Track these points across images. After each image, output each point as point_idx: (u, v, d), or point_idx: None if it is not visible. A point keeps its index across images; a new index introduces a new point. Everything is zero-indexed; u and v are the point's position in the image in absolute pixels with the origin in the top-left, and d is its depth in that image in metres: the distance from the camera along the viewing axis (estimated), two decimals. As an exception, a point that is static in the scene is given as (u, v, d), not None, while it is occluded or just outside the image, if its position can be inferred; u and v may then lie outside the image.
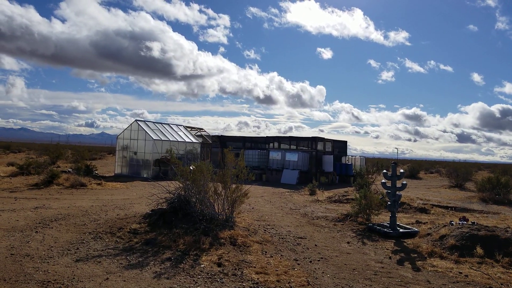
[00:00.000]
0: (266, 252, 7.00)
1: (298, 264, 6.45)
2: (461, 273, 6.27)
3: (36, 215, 9.37)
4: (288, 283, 5.44)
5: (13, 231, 7.65)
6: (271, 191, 18.53)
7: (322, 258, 6.91)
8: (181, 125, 28.12)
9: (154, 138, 23.09)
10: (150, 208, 9.02)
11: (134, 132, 23.92)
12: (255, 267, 6.03)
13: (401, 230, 8.98)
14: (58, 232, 7.75)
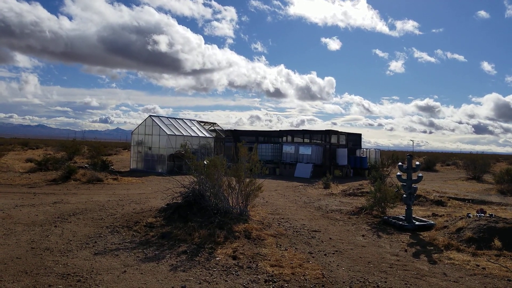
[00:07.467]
0: (280, 245, 7.03)
1: (313, 257, 6.45)
2: (478, 265, 6.19)
3: (55, 210, 9.58)
4: (303, 275, 5.45)
5: (33, 225, 7.85)
6: (285, 185, 18.54)
7: (336, 251, 6.90)
8: (194, 120, 28.28)
9: (168, 133, 23.28)
10: (166, 202, 9.14)
11: (148, 128, 24.17)
12: (269, 260, 6.06)
13: (416, 222, 8.89)
14: (76, 226, 7.92)
